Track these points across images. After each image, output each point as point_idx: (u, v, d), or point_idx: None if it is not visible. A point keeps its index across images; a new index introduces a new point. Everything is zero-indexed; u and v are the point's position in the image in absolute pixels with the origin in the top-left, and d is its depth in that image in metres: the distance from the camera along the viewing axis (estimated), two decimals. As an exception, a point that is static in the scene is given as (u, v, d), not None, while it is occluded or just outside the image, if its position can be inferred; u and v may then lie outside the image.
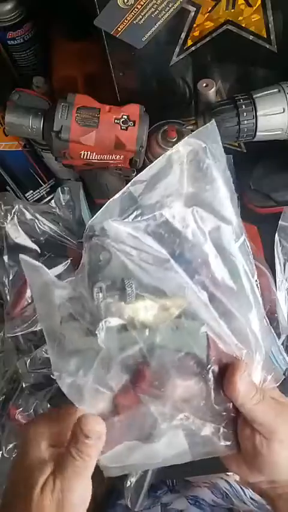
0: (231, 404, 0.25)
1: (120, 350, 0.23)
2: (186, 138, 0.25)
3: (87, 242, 0.24)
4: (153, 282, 0.23)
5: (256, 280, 0.27)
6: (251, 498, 0.44)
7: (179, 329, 0.23)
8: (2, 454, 0.42)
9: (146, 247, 0.23)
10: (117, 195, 0.24)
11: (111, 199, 0.24)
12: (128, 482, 0.40)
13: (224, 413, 0.26)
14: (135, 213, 0.24)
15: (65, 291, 0.23)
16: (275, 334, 0.42)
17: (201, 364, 0.24)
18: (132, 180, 0.24)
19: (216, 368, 0.24)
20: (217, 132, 0.27)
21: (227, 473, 0.47)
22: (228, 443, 0.26)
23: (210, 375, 0.24)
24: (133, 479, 0.40)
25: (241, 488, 0.45)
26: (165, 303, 0.23)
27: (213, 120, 0.26)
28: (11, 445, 0.42)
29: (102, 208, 0.23)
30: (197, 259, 0.24)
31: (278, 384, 0.28)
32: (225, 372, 0.24)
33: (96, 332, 0.22)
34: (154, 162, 0.24)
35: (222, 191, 0.25)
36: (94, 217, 0.23)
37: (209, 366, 0.24)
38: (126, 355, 0.23)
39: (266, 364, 0.27)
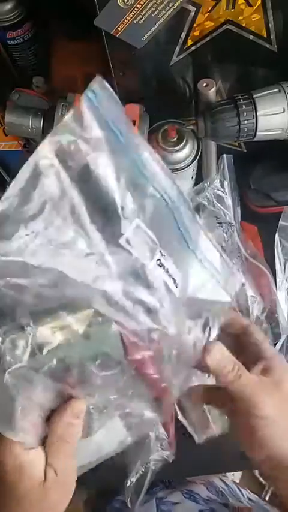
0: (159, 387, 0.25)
1: (30, 383, 0.22)
2: (47, 136, 0.21)
3: None
4: (53, 304, 0.22)
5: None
6: (249, 498, 0.44)
7: (89, 339, 0.23)
8: None
9: (35, 270, 0.21)
10: None
11: None
12: (128, 482, 0.40)
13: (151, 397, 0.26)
14: (17, 232, 0.21)
15: None
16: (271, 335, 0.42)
17: (120, 362, 0.24)
18: (1, 199, 0.21)
19: (134, 360, 0.24)
20: (93, 108, 0.21)
21: (224, 474, 0.47)
22: (161, 415, 0.26)
23: (130, 367, 0.24)
24: (133, 479, 0.40)
25: (238, 488, 0.45)
26: (66, 322, 0.23)
27: (85, 96, 0.20)
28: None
29: None
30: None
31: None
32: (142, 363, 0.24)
33: None
34: (18, 174, 0.21)
35: (111, 185, 0.22)
36: None
37: (126, 361, 0.24)
38: (42, 383, 0.22)
39: None
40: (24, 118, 0.36)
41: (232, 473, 0.88)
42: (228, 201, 0.45)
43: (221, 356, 0.25)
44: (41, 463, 0.23)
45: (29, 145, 0.45)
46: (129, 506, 0.39)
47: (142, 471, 0.39)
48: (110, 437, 0.26)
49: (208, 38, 0.34)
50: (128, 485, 0.40)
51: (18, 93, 0.40)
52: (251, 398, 0.24)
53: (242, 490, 0.45)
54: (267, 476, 0.28)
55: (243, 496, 0.44)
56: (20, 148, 0.45)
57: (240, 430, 0.25)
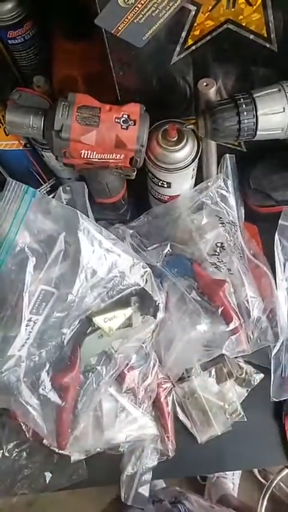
0: None
1: None
2: None
3: None
4: None
5: None
6: None
7: None
8: (3, 453, 0.42)
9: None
10: None
11: None
12: (124, 476, 0.40)
13: None
14: None
15: None
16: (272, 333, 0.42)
17: None
18: None
19: None
20: None
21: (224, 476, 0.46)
22: None
23: None
24: (128, 473, 0.40)
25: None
26: None
27: None
28: (11, 444, 0.42)
29: None
30: None
31: None
32: None
33: None
34: None
35: None
36: None
37: None
38: None
39: None
40: (25, 117, 0.36)
41: (232, 472, 0.88)
42: (232, 200, 0.45)
43: None
44: None
45: (30, 144, 0.45)
46: (123, 499, 0.39)
47: (137, 465, 0.40)
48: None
49: (208, 38, 0.34)
50: (123, 478, 0.40)
51: (19, 92, 0.40)
52: None
53: None
54: None
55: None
56: (20, 148, 0.45)
57: None
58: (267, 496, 0.84)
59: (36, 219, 0.36)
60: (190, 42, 0.35)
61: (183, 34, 0.34)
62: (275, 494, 0.86)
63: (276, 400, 0.43)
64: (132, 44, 0.33)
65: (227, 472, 0.86)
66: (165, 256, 0.44)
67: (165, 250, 0.44)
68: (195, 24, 0.33)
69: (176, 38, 0.34)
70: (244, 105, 0.35)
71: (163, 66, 0.37)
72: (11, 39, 0.42)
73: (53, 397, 0.36)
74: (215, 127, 0.36)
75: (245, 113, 0.35)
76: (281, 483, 0.85)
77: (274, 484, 0.84)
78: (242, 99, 0.35)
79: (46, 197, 0.37)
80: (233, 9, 0.32)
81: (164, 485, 0.55)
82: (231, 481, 0.87)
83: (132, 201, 0.51)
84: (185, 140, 0.40)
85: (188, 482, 0.87)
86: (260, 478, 0.89)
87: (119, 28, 0.31)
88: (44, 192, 0.49)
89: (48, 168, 0.48)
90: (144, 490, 0.40)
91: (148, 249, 0.45)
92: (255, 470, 0.89)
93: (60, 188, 0.44)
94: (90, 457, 0.41)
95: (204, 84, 0.36)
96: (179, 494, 0.45)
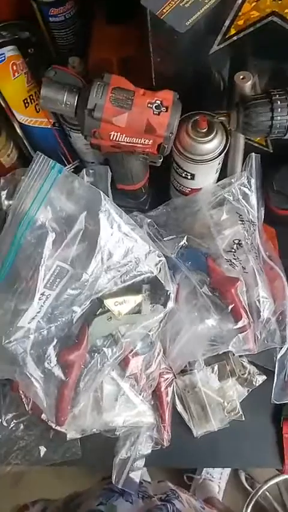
0: None
1: None
2: None
3: None
4: None
5: None
6: None
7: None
8: (1, 422, 0.43)
9: None
10: None
11: None
12: (117, 459, 0.41)
13: None
14: None
15: None
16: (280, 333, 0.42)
17: None
18: None
19: None
20: None
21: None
22: None
23: None
24: (121, 457, 0.41)
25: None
26: None
27: None
28: (10, 415, 0.43)
29: None
30: None
31: None
32: None
33: None
34: None
35: None
36: None
37: None
38: None
39: None
40: (59, 93, 0.36)
41: (219, 476, 0.88)
42: (254, 199, 0.44)
43: None
44: None
45: (59, 124, 0.45)
46: (114, 481, 0.40)
47: (131, 450, 0.40)
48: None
49: (251, 29, 0.34)
50: (116, 462, 0.40)
51: (55, 70, 0.40)
52: None
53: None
54: None
55: None
56: (49, 126, 0.45)
57: None
58: (252, 504, 0.83)
59: (59, 196, 0.37)
60: (232, 31, 0.34)
61: (227, 23, 0.33)
62: (259, 502, 0.85)
63: (277, 403, 0.43)
64: (174, 28, 0.32)
65: (214, 475, 0.86)
66: (180, 248, 0.44)
67: (181, 243, 0.44)
68: (240, 13, 0.33)
69: (219, 26, 0.34)
70: (279, 102, 0.34)
71: (202, 55, 0.37)
72: (53, 16, 0.42)
73: (57, 372, 0.36)
74: (247, 121, 0.35)
75: (279, 109, 0.34)
76: (267, 492, 0.85)
77: (260, 493, 0.83)
78: (277, 95, 0.34)
79: (72, 175, 0.38)
80: (279, 2, 0.32)
81: (156, 480, 0.55)
82: (218, 484, 0.86)
83: (152, 191, 0.51)
84: (214, 132, 0.40)
85: (174, 480, 0.87)
86: (247, 486, 0.88)
87: (164, 10, 0.31)
88: (67, 172, 0.49)
89: (74, 150, 0.48)
90: (136, 476, 0.40)
91: (164, 239, 0.45)
92: (243, 477, 0.89)
93: (84, 170, 0.44)
94: (85, 438, 0.42)
95: (241, 77, 0.36)
96: (170, 492, 0.45)
